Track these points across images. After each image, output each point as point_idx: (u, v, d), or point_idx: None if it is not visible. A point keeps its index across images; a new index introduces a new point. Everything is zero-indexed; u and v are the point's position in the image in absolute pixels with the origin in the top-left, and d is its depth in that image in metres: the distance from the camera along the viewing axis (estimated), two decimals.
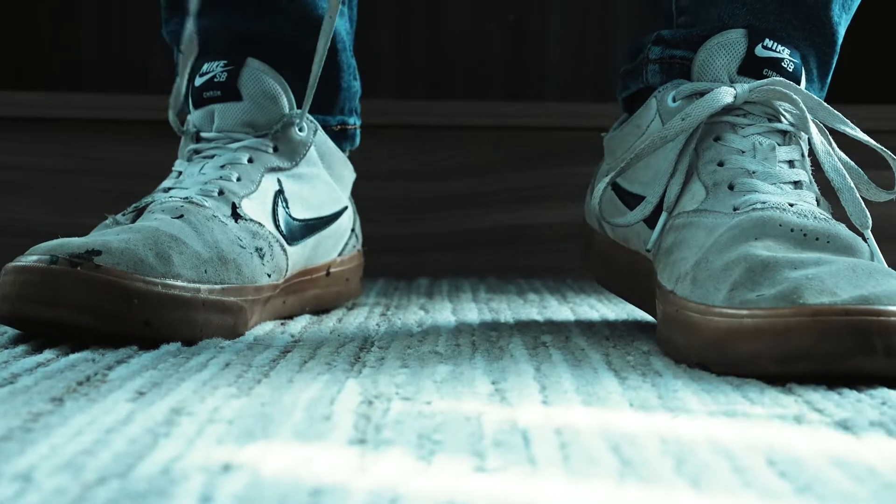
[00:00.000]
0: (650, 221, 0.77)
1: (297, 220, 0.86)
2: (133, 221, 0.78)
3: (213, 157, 0.84)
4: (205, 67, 0.87)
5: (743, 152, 0.75)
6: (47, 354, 0.67)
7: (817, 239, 0.68)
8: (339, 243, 0.93)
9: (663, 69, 0.81)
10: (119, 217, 0.78)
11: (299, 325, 0.84)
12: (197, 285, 0.73)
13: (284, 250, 0.84)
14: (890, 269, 0.66)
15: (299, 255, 0.87)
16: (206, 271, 0.74)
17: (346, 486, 0.40)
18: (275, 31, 0.89)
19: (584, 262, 0.92)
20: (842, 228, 0.70)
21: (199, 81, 0.87)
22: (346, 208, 0.93)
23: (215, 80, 0.86)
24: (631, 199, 0.80)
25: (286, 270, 0.85)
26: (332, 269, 0.93)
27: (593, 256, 0.89)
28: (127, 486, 0.39)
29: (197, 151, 0.85)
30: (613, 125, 0.86)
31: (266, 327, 0.82)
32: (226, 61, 0.86)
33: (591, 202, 0.82)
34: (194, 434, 0.47)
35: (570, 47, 1.52)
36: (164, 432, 0.47)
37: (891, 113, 1.33)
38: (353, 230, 0.96)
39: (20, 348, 0.69)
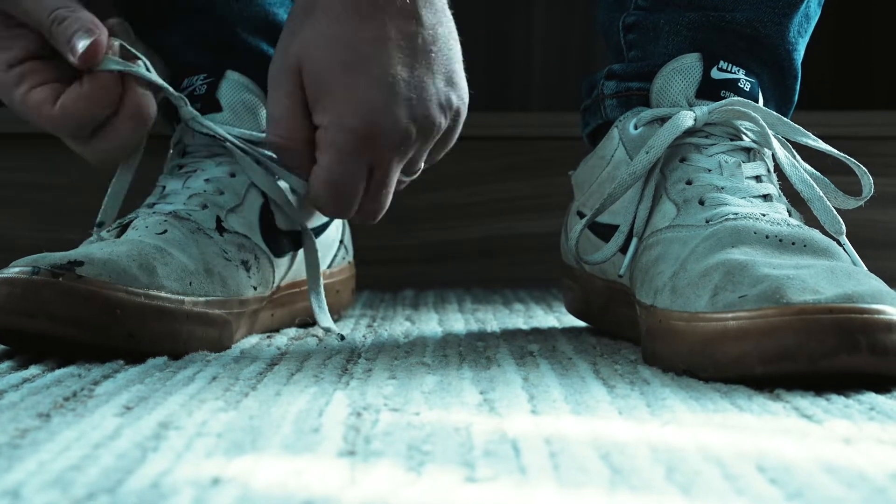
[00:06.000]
0: (623, 248, 0.78)
1: (283, 231, 0.85)
2: (117, 237, 0.77)
3: (195, 171, 0.83)
4: (184, 83, 0.87)
5: (710, 170, 0.75)
6: (33, 370, 0.67)
7: (793, 244, 0.68)
8: (327, 255, 0.93)
9: (621, 102, 0.82)
10: (103, 233, 0.78)
11: (285, 337, 0.84)
12: (181, 297, 0.73)
13: (271, 262, 0.84)
14: (868, 271, 0.66)
15: (287, 267, 0.86)
16: (190, 283, 0.74)
17: (336, 497, 0.40)
18: (240, 38, 0.88)
19: (565, 304, 0.91)
20: (816, 233, 0.70)
21: None
22: (332, 220, 0.93)
23: (195, 93, 0.86)
24: (603, 230, 0.80)
25: (273, 282, 0.84)
26: None
27: (574, 294, 0.89)
28: (116, 502, 0.39)
29: (180, 166, 0.84)
30: (580, 163, 0.86)
31: (252, 340, 0.82)
32: (205, 74, 0.86)
33: (569, 243, 0.82)
34: (183, 448, 0.47)
35: (553, 56, 1.52)
36: (152, 447, 0.47)
37: (874, 119, 1.34)
38: (341, 241, 0.95)
39: (5, 364, 0.69)
